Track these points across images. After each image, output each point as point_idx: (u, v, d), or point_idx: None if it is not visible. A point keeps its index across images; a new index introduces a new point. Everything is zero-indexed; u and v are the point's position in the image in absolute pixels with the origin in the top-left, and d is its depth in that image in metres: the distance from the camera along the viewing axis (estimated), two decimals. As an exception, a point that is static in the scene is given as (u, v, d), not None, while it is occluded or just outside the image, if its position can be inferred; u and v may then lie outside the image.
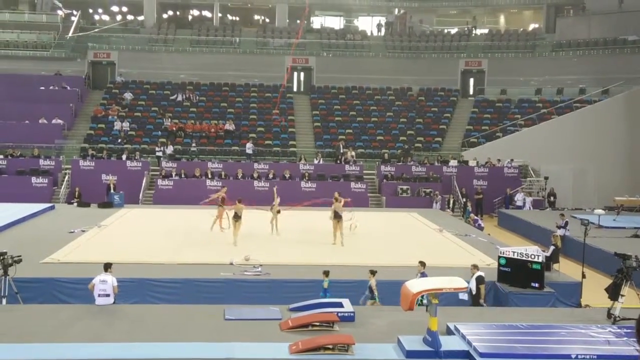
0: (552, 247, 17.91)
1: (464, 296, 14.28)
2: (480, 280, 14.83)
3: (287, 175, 32.34)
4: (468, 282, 13.79)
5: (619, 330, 12.24)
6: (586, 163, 34.68)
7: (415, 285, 11.34)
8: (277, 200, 21.92)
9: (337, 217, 20.29)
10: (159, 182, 31.79)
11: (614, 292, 13.21)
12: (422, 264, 14.91)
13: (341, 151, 35.46)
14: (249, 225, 21.47)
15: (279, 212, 21.73)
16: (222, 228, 21.49)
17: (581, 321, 12.97)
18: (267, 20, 52.56)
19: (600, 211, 25.32)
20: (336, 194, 21.03)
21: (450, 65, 44.33)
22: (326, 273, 14.71)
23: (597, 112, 36.60)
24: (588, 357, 10.86)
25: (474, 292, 14.70)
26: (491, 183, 33.66)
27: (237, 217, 20.05)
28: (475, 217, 27.07)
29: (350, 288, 15.47)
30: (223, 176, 31.95)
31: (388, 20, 50.66)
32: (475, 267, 15.28)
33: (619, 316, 12.83)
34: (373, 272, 14.54)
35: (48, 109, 36.80)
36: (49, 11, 46.98)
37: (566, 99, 39.67)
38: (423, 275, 14.26)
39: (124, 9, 50.86)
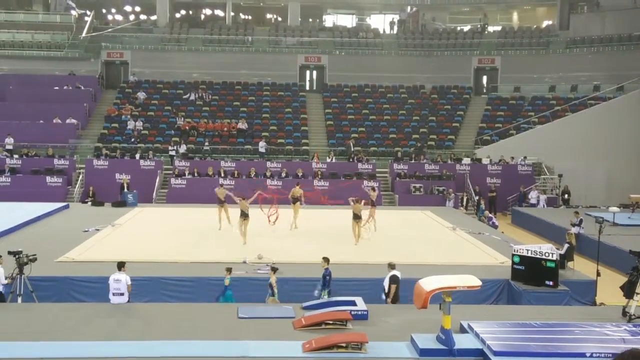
0: (566, 245, 17.81)
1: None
2: (393, 279, 14.23)
3: (300, 174, 32.34)
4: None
5: (634, 329, 12.15)
6: (601, 160, 34.47)
7: (429, 284, 11.31)
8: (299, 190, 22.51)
9: (356, 218, 20.36)
10: (172, 181, 31.91)
11: (629, 290, 13.12)
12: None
13: (352, 150, 35.45)
14: (261, 223, 21.54)
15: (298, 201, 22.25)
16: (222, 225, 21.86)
17: (596, 319, 12.89)
18: (280, 18, 52.56)
19: (615, 209, 25.16)
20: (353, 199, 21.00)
21: (463, 63, 44.16)
22: (229, 270, 14.60)
23: (611, 109, 36.35)
24: (603, 355, 10.77)
25: (386, 291, 14.28)
26: (505, 181, 33.50)
27: (244, 215, 19.98)
28: (490, 215, 26.96)
29: (364, 286, 15.51)
30: (236, 175, 32.01)
31: (400, 18, 50.58)
32: (391, 265, 14.58)
33: (634, 314, 12.74)
34: (274, 269, 14.45)
35: (62, 109, 37.00)
36: (62, 11, 47.26)
37: (580, 96, 39.39)
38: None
39: (137, 8, 51.05)
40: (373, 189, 23.92)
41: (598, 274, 16.68)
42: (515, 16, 51.65)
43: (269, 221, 22.13)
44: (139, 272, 15.17)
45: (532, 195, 32.30)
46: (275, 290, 14.32)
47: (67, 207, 27.01)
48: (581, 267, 18.03)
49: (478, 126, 39.36)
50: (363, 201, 20.91)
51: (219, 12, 52.26)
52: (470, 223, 25.32)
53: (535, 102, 40.46)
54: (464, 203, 31.31)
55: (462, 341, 11.33)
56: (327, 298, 14.21)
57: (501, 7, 50.59)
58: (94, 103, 40.12)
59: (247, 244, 19.45)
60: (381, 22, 51.73)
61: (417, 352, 11.05)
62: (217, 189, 22.67)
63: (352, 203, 20.64)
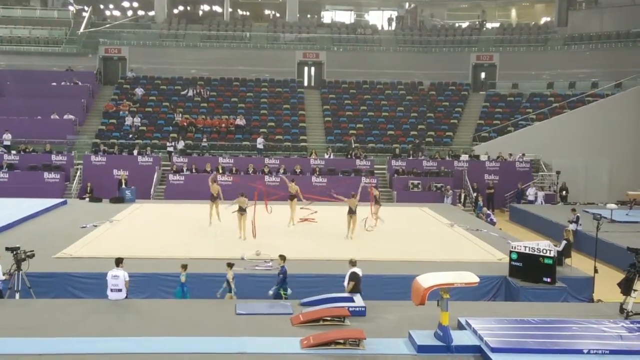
0: (564, 242, 17.83)
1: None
2: (352, 276, 14.02)
3: (298, 170, 32.33)
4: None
5: (631, 325, 12.17)
6: (599, 157, 34.50)
7: (427, 280, 11.32)
8: (292, 185, 22.46)
9: (350, 212, 20.54)
10: (170, 177, 31.91)
11: (626, 287, 13.14)
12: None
13: (353, 146, 35.44)
14: (259, 220, 21.53)
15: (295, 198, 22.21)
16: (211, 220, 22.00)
17: (593, 316, 12.90)
18: (278, 14, 52.54)
19: (612, 205, 25.18)
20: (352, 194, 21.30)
21: (461, 60, 44.13)
22: (184, 267, 14.57)
23: (609, 106, 36.34)
24: (600, 352, 10.80)
25: (346, 287, 14.11)
26: (502, 177, 33.51)
27: (241, 210, 20.08)
28: (488, 212, 26.95)
29: (362, 283, 15.46)
30: (234, 171, 32.01)
31: (399, 15, 50.56)
32: (351, 262, 14.37)
33: (631, 311, 12.78)
34: (230, 265, 14.35)
35: (60, 105, 36.95)
36: (60, 7, 47.25)
37: (578, 93, 39.44)
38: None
39: (135, 4, 51.02)
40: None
41: (595, 271, 16.71)
42: (513, 13, 51.69)
43: (267, 210, 21.98)
44: (137, 268, 15.17)
45: (530, 192, 32.31)
46: (233, 286, 14.20)
47: (65, 203, 26.99)
48: (579, 264, 18.06)
49: (476, 123, 39.38)
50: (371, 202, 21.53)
51: (217, 8, 52.23)
52: (468, 220, 25.33)
53: (534, 98, 40.48)
54: (462, 200, 31.32)
55: (460, 338, 11.34)
56: (285, 296, 14.26)
57: (499, 4, 50.62)
58: (92, 99, 40.07)
59: (245, 240, 19.44)
60: (379, 19, 51.74)
61: (414, 348, 11.06)
62: (212, 184, 22.43)
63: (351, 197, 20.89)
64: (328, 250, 18.63)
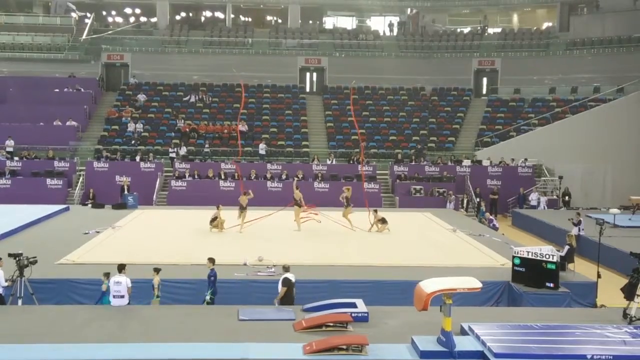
0: (567, 247, 17.80)
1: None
2: (284, 282, 14.08)
3: (300, 176, 32.33)
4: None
5: (635, 331, 12.15)
6: (601, 162, 34.51)
7: (430, 286, 11.30)
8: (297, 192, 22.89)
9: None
10: (173, 183, 31.93)
11: (629, 292, 13.12)
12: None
13: (365, 152, 35.60)
14: (261, 225, 21.59)
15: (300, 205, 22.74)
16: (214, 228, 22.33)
17: (597, 321, 12.88)
18: (280, 21, 52.60)
19: (615, 210, 25.16)
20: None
21: (463, 65, 44.18)
22: (106, 275, 14.11)
23: (611, 110, 36.34)
24: (604, 357, 10.77)
25: (279, 292, 14.17)
26: (505, 183, 33.52)
27: (242, 208, 21.90)
28: (490, 217, 26.95)
29: (364, 288, 15.50)
30: (236, 177, 32.00)
31: (400, 20, 50.63)
32: (285, 268, 14.50)
33: (635, 316, 12.74)
34: (157, 270, 14.23)
35: (62, 111, 37.03)
36: (62, 14, 47.27)
37: (580, 98, 39.40)
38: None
39: (137, 11, 51.06)
40: (348, 189, 23.72)
41: (599, 276, 16.66)
42: (515, 18, 51.66)
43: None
44: (140, 275, 15.13)
45: (533, 197, 32.29)
46: (157, 292, 14.11)
47: (67, 209, 27.02)
48: (582, 269, 18.01)
49: (478, 128, 39.38)
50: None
51: (219, 14, 52.31)
52: (471, 225, 25.31)
53: (536, 103, 40.48)
54: (465, 205, 31.32)
55: (463, 343, 11.33)
56: (209, 300, 14.29)
57: (501, 9, 50.56)
58: (94, 105, 40.16)
59: (248, 246, 19.41)
60: (381, 24, 51.77)
61: (417, 354, 11.04)
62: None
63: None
64: (331, 256, 18.60)
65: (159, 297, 14.26)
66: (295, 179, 29.89)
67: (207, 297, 14.42)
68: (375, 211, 23.39)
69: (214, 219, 22.11)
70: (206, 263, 14.82)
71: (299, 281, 15.54)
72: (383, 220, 22.73)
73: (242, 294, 15.25)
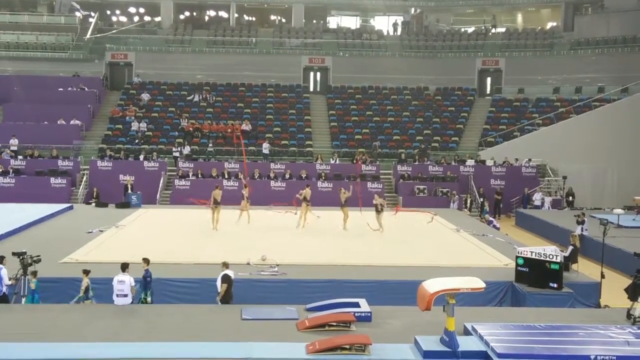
0: (570, 247, 17.77)
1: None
2: (224, 279, 14.07)
3: (304, 176, 32.32)
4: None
5: (638, 331, 12.13)
6: (605, 162, 34.42)
7: (433, 285, 11.29)
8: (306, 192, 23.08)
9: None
10: (176, 182, 31.94)
11: (633, 293, 13.10)
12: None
13: (377, 151, 35.68)
14: (266, 224, 21.57)
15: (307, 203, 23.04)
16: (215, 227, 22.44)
17: (600, 322, 12.86)
18: (284, 20, 52.61)
19: (619, 211, 25.12)
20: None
21: (467, 65, 44.14)
22: (34, 274, 13.92)
23: (616, 110, 36.23)
24: (607, 358, 10.76)
25: (219, 290, 14.14)
26: (509, 183, 33.46)
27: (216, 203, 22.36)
28: (490, 219, 26.80)
29: (367, 288, 15.49)
30: (240, 176, 32.01)
31: (404, 20, 50.56)
32: (224, 264, 14.40)
33: (638, 317, 12.71)
34: (86, 272, 14.03)
35: (66, 110, 37.10)
36: (67, 13, 47.31)
37: (584, 98, 39.32)
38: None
39: (141, 10, 51.14)
40: (341, 190, 23.52)
41: (602, 276, 16.63)
42: (519, 18, 51.60)
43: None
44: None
45: (537, 197, 32.23)
46: (90, 293, 13.93)
47: (71, 208, 27.05)
48: (585, 269, 17.98)
49: (482, 128, 39.34)
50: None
51: (222, 14, 52.34)
52: (474, 225, 25.26)
53: (540, 103, 40.41)
54: (468, 205, 31.26)
55: (466, 343, 11.31)
56: (149, 300, 14.10)
57: (505, 9, 50.50)
58: (98, 104, 40.21)
59: (251, 246, 19.40)
60: (385, 24, 51.76)
61: (420, 354, 11.04)
62: (215, 190, 22.99)
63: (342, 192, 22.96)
64: (334, 256, 18.59)
65: (91, 300, 14.01)
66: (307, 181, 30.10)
67: (148, 298, 14.15)
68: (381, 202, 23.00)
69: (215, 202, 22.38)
70: (141, 263, 14.39)
71: (302, 281, 15.59)
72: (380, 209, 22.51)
73: (245, 294, 15.22)
